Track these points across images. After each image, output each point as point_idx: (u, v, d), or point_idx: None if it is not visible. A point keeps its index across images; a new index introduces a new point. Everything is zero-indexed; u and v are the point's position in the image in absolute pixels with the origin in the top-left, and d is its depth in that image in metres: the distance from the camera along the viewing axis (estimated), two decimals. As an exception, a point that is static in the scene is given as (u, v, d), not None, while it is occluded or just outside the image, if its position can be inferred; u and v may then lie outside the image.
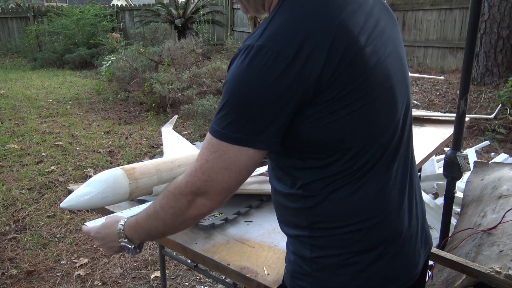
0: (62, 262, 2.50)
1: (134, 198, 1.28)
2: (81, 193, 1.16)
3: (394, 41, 0.80)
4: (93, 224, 1.04)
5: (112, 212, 1.33)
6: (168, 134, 1.82)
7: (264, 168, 1.50)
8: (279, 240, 1.18)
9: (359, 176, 0.75)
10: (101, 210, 1.36)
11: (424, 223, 0.92)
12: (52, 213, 3.06)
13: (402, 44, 0.85)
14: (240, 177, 0.73)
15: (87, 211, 3.01)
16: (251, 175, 1.50)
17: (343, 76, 0.67)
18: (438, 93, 6.03)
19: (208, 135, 0.73)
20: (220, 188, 0.73)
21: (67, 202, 1.16)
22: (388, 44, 0.77)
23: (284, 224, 0.87)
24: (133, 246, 0.91)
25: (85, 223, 1.07)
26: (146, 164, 1.31)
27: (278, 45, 0.65)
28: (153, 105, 5.81)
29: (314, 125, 0.69)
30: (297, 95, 0.66)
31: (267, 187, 1.41)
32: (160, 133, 4.83)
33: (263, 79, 0.65)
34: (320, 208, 0.77)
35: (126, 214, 1.18)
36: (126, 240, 0.91)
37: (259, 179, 1.49)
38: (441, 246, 1.64)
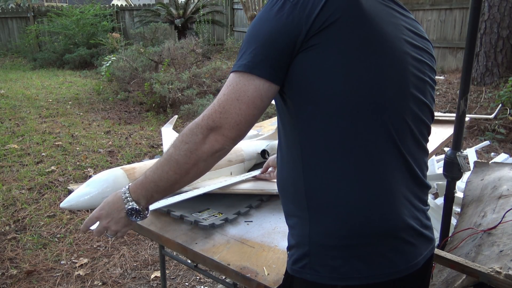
0: (62, 262, 2.50)
1: (134, 198, 1.28)
2: (81, 193, 1.16)
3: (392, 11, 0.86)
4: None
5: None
6: (168, 134, 1.82)
7: (257, 172, 1.51)
8: (279, 240, 1.18)
9: (358, 147, 0.78)
10: (101, 210, 1.36)
11: (425, 214, 0.91)
12: (52, 213, 3.06)
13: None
14: (248, 111, 0.78)
15: (87, 211, 3.01)
16: (251, 174, 1.51)
17: (340, 23, 0.75)
18: (438, 93, 6.02)
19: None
20: (232, 121, 0.78)
21: (67, 202, 1.16)
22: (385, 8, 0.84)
23: (285, 198, 0.90)
24: (141, 207, 0.92)
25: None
26: (146, 164, 1.31)
27: None
28: (153, 105, 5.81)
29: (309, 67, 0.77)
30: (293, 33, 0.76)
31: (267, 187, 1.41)
32: (160, 133, 4.83)
33: (271, 17, 0.79)
34: (317, 172, 0.81)
35: None
36: (132, 203, 0.91)
37: (259, 180, 1.50)
38: (441, 246, 1.64)
